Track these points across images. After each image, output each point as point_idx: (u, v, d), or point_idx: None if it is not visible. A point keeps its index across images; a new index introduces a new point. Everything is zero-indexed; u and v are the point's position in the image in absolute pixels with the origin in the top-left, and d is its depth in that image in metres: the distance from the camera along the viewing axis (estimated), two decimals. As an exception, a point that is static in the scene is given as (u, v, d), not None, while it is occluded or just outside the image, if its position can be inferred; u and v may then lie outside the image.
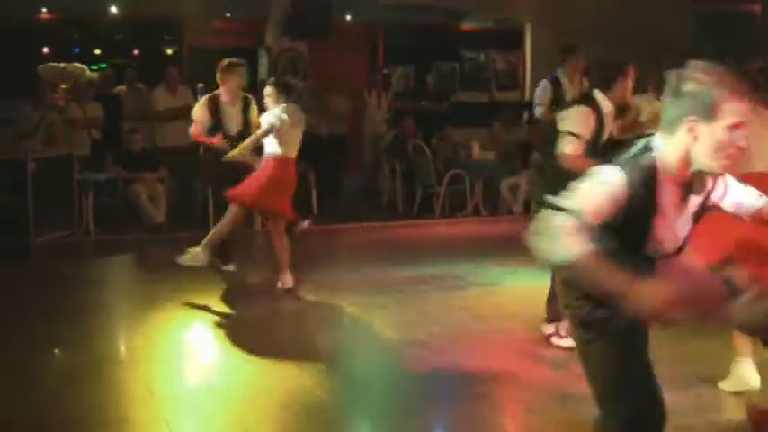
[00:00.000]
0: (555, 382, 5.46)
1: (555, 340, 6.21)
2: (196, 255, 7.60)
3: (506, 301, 7.59)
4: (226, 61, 8.25)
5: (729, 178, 3.30)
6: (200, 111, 8.24)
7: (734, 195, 3.35)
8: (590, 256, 2.90)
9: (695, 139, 2.95)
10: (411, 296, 7.73)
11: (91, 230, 10.30)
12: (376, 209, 12.84)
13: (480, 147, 12.72)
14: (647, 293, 2.85)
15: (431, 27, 15.23)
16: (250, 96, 8.47)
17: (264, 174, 7.60)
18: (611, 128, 5.98)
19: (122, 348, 6.40)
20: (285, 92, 7.67)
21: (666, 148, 3.01)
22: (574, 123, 5.73)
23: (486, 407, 5.14)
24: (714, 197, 3.25)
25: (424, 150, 12.42)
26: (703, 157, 2.97)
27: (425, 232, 11.33)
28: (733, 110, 2.91)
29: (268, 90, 7.69)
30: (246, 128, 8.17)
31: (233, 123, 8.23)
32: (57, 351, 6.23)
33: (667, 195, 3.05)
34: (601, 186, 2.99)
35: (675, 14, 13.51)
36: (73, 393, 5.23)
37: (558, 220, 2.94)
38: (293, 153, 7.72)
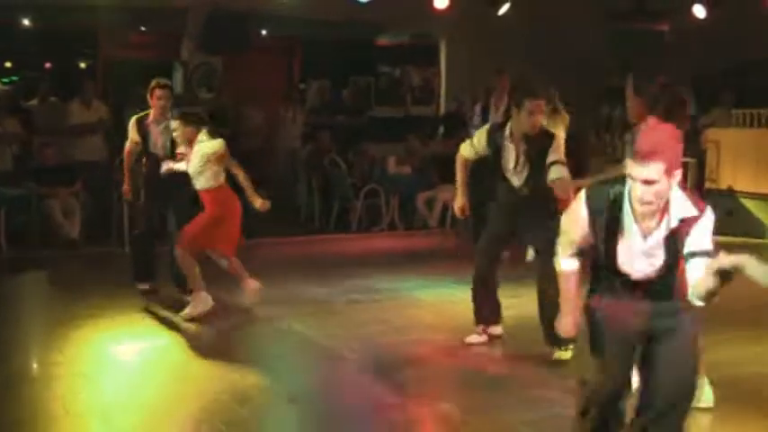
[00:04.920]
0: (477, 389, 5.63)
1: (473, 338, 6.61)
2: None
3: (423, 312, 7.70)
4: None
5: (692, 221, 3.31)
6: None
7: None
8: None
9: None
10: (329, 310, 7.79)
11: (3, 247, 10.11)
12: (293, 223, 12.84)
13: (396, 161, 12.82)
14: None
15: (347, 42, 15.30)
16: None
17: None
18: None
19: (37, 366, 6.33)
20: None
21: None
22: None
23: (407, 416, 5.23)
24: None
25: (339, 164, 12.50)
26: None
27: (342, 246, 11.39)
28: None
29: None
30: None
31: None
32: (-30, 369, 6.14)
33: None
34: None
35: (589, 33, 13.79)
36: (-13, 412, 5.17)
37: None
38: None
